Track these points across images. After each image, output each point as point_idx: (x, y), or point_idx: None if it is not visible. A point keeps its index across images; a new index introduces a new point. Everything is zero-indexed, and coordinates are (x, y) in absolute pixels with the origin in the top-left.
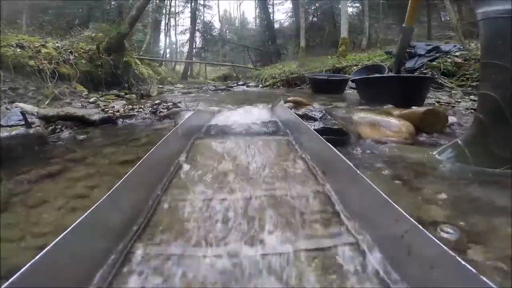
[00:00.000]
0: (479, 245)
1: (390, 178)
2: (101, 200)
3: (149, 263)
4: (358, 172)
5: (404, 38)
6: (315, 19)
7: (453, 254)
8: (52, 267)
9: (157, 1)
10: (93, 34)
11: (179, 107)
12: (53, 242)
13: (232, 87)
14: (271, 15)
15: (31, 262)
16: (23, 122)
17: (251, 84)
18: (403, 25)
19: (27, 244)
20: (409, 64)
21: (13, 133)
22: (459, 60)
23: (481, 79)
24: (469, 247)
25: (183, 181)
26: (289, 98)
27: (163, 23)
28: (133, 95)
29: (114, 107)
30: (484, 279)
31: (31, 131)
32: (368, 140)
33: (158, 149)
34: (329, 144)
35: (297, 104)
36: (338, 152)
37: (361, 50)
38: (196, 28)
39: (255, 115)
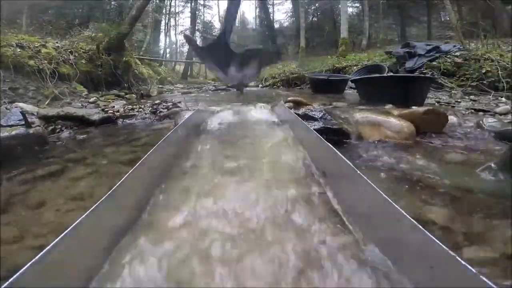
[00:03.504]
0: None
1: (389, 177)
2: (101, 200)
3: (149, 263)
4: (358, 172)
5: None
6: (315, 19)
7: (453, 254)
8: (52, 267)
9: (157, 1)
10: (93, 34)
11: (179, 107)
12: (53, 242)
13: (232, 87)
14: (271, 15)
15: (31, 262)
16: (23, 122)
17: (251, 84)
18: None
19: (26, 244)
20: (409, 64)
21: (13, 133)
22: (459, 60)
23: None
24: None
25: (183, 181)
26: (289, 98)
27: (163, 23)
28: (133, 95)
29: (114, 107)
30: (484, 279)
31: (31, 131)
32: (368, 140)
33: (158, 149)
34: (329, 144)
35: (297, 104)
36: (338, 152)
37: (361, 50)
38: (196, 28)
39: (255, 115)
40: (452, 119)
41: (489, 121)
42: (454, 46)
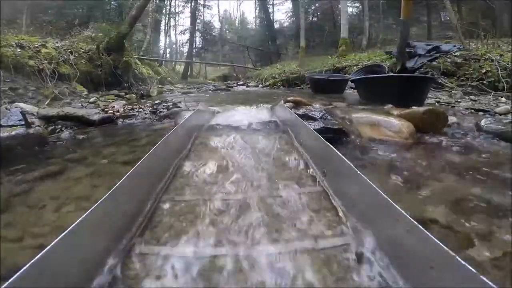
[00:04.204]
0: None
1: (388, 176)
2: (101, 200)
3: (150, 263)
4: (358, 172)
5: (403, 31)
6: (315, 19)
7: (453, 254)
8: (52, 267)
9: (157, 1)
10: (93, 34)
11: (179, 107)
12: (53, 242)
13: (232, 87)
14: (271, 15)
15: (31, 262)
16: (23, 122)
17: (251, 84)
18: (400, 18)
19: (27, 244)
20: (409, 64)
21: (13, 133)
22: (459, 60)
23: None
24: None
25: (183, 181)
26: (289, 98)
27: (163, 23)
28: (133, 95)
29: (114, 107)
30: (484, 279)
31: (31, 131)
32: (368, 140)
33: (158, 149)
34: (329, 144)
35: (297, 104)
36: (338, 152)
37: (361, 50)
38: (196, 28)
39: (255, 115)
40: (452, 119)
41: (487, 122)
42: (454, 46)
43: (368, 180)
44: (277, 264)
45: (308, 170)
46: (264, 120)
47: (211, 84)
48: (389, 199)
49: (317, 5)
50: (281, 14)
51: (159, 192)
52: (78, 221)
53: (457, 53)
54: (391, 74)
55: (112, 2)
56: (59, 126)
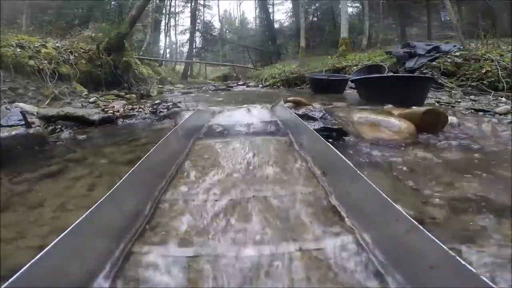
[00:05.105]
0: None
1: (387, 176)
2: (101, 200)
3: (149, 263)
4: (358, 172)
5: None
6: (315, 19)
7: (453, 254)
8: (52, 267)
9: (157, 1)
10: (93, 34)
11: (179, 107)
12: (53, 242)
13: (232, 87)
14: (271, 15)
15: (31, 262)
16: (23, 122)
17: (251, 84)
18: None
19: (27, 244)
20: (409, 64)
21: (13, 133)
22: (459, 60)
23: None
24: None
25: (183, 181)
26: (289, 98)
27: (163, 23)
28: (133, 95)
29: (114, 107)
30: (484, 279)
31: (31, 131)
32: (368, 139)
33: (158, 149)
34: (329, 144)
35: (297, 104)
36: (338, 152)
37: (361, 50)
38: (196, 28)
39: (255, 115)
40: (452, 119)
41: None
42: (454, 46)
43: (368, 180)
44: (277, 263)
45: (308, 169)
46: (264, 120)
47: (211, 84)
48: (389, 199)
49: (317, 5)
50: (281, 14)
51: (159, 193)
52: (78, 221)
53: (457, 53)
54: (391, 74)
55: (112, 2)
56: (59, 126)
